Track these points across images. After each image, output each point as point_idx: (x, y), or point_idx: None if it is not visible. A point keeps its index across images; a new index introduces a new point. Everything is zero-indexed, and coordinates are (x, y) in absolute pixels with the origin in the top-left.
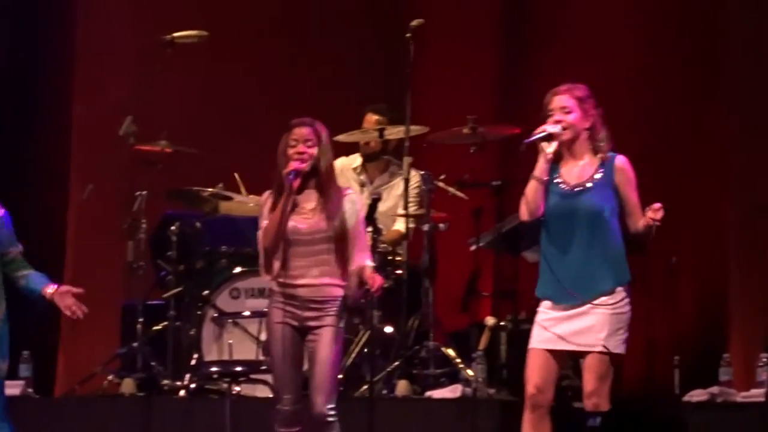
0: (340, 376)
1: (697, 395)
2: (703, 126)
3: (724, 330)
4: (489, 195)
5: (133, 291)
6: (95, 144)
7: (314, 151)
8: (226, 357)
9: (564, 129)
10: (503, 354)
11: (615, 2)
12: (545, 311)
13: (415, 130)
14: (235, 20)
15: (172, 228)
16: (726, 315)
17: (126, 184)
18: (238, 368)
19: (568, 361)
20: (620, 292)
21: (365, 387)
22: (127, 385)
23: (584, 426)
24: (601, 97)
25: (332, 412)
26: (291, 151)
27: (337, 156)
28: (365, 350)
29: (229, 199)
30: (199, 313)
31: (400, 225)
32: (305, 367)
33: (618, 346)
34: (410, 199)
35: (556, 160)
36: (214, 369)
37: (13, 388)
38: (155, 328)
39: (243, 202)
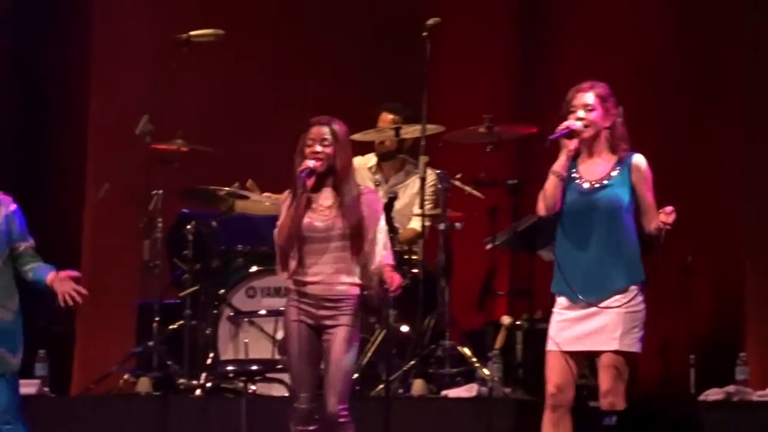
0: (356, 376)
1: (713, 394)
2: (720, 124)
3: (740, 329)
4: (505, 194)
5: (149, 290)
6: (111, 143)
7: (330, 150)
8: (242, 356)
9: (586, 126)
10: (519, 353)
11: (630, 1)
12: (560, 312)
13: (431, 129)
14: (251, 19)
15: (188, 227)
16: (742, 314)
17: (142, 182)
18: (254, 367)
19: (585, 361)
20: (634, 291)
21: (381, 386)
22: (143, 385)
23: (600, 425)
24: (616, 95)
25: (344, 413)
26: (307, 150)
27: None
28: (381, 349)
29: (245, 198)
30: (215, 312)
31: (415, 224)
32: (322, 365)
33: (633, 345)
34: (426, 198)
35: (573, 157)
36: (230, 368)
37: (28, 387)
38: (171, 327)
39: (259, 201)
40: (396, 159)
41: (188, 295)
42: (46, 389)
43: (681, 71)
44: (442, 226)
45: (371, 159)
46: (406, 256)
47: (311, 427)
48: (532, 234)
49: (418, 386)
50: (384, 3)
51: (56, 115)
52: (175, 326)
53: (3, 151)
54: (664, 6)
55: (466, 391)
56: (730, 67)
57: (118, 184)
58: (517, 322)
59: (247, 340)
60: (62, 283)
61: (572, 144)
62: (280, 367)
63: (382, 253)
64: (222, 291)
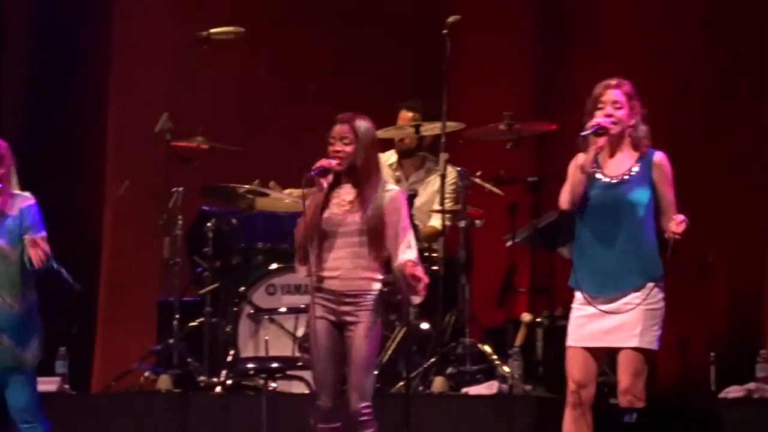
0: (376, 373)
1: (733, 391)
2: (738, 122)
3: (760, 326)
4: (525, 191)
5: (170, 287)
6: (131, 140)
7: (351, 148)
8: (262, 353)
9: (614, 124)
10: (539, 350)
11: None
12: (579, 308)
13: (452, 126)
14: (271, 16)
15: (208, 224)
16: (762, 311)
17: (162, 180)
18: (275, 364)
19: (605, 357)
20: (652, 288)
21: (401, 383)
22: (164, 382)
23: (620, 422)
24: (637, 92)
25: (367, 410)
26: (330, 148)
27: None
28: (401, 347)
29: (265, 195)
30: (235, 309)
31: (435, 221)
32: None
33: (652, 343)
34: (446, 196)
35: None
36: (250, 365)
37: (49, 385)
38: (191, 324)
39: (279, 199)
40: (416, 156)
41: (208, 292)
42: (66, 386)
43: (700, 69)
44: (462, 224)
45: (392, 156)
46: (426, 254)
47: (334, 425)
48: (552, 231)
49: (438, 383)
50: (404, 1)
51: (77, 112)
52: (196, 323)
53: (24, 150)
54: (683, 5)
55: (487, 388)
56: (749, 65)
57: (138, 181)
58: (538, 320)
59: (267, 338)
60: (31, 248)
61: (601, 141)
62: (300, 364)
63: (405, 251)
64: (242, 288)
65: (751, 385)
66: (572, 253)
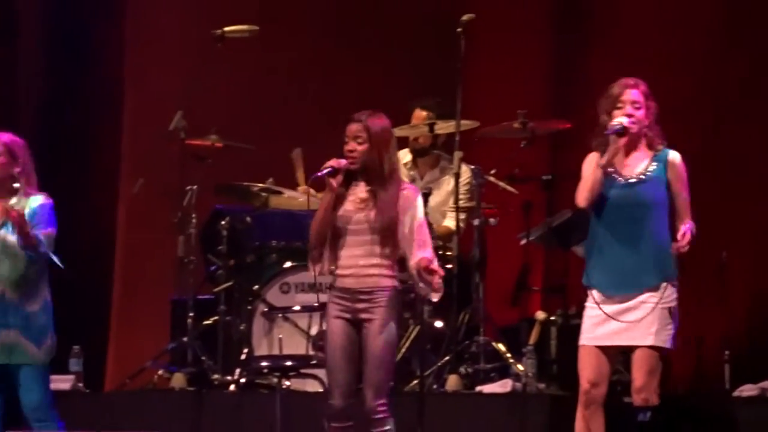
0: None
1: (747, 390)
2: (756, 121)
3: None
4: (539, 189)
5: (184, 285)
6: (146, 138)
7: (364, 147)
8: (276, 352)
9: (633, 123)
10: (553, 349)
11: None
12: (593, 306)
13: (466, 124)
14: (284, 15)
15: (223, 223)
16: None
17: (176, 178)
18: (289, 363)
19: (619, 356)
20: (667, 287)
21: (415, 382)
22: (178, 380)
23: (634, 421)
24: (653, 91)
25: (383, 407)
26: (344, 147)
27: None
28: (416, 345)
29: (280, 193)
30: (249, 307)
31: (450, 221)
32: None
33: (667, 341)
34: (461, 194)
35: None
36: (264, 364)
37: (63, 383)
38: (205, 322)
39: (293, 197)
40: (430, 155)
41: (222, 290)
42: (80, 385)
43: (719, 69)
44: (476, 222)
45: (406, 155)
46: (440, 252)
47: (347, 424)
48: (566, 230)
49: (452, 382)
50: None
51: (90, 111)
52: (210, 322)
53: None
54: (703, 4)
55: (501, 386)
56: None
57: (152, 179)
58: (552, 318)
59: (281, 336)
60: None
61: (622, 141)
62: (314, 362)
63: (420, 249)
64: (256, 286)
65: (766, 384)
66: (586, 251)
